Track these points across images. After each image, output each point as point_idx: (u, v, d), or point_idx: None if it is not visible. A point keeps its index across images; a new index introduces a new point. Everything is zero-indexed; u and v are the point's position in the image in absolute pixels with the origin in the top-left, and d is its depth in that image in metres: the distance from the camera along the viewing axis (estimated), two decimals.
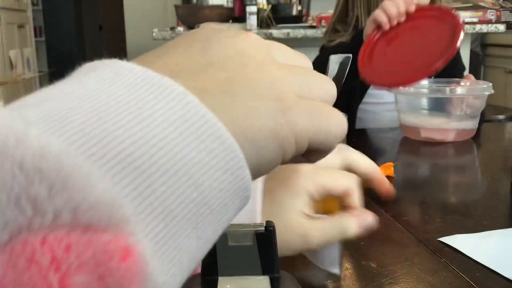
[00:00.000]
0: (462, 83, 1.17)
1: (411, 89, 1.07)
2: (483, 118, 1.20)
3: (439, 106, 1.09)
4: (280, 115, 0.22)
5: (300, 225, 0.44)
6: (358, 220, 0.45)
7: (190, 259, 0.19)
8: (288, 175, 0.46)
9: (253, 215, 0.42)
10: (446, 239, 0.58)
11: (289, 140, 0.22)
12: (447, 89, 1.07)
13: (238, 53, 0.23)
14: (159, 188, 0.17)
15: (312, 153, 0.24)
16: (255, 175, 0.22)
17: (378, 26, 1.07)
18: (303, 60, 0.26)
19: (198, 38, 0.24)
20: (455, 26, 1.00)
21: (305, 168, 0.46)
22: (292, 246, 0.43)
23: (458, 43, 0.96)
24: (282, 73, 0.23)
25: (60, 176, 0.15)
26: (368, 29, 1.09)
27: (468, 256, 0.54)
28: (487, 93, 1.08)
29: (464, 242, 0.57)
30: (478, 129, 1.13)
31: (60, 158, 0.15)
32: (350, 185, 0.46)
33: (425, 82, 1.14)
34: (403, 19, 1.06)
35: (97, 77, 0.19)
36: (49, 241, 0.15)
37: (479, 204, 0.72)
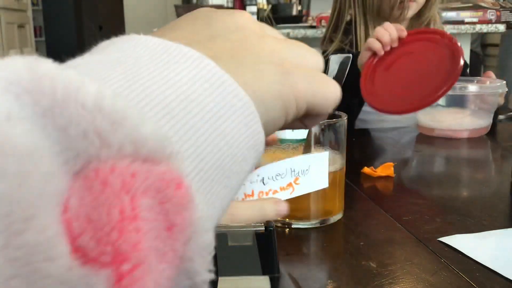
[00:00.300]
0: (476, 81, 1.17)
1: None
2: (497, 116, 1.21)
3: (454, 102, 1.10)
4: (282, 78, 0.24)
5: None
6: (276, 206, 0.52)
7: (220, 206, 0.21)
8: None
9: None
10: (446, 239, 0.58)
11: (291, 101, 0.25)
12: (462, 86, 1.07)
13: (238, 27, 0.26)
14: (193, 136, 0.20)
15: (308, 117, 0.27)
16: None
17: (374, 53, 1.10)
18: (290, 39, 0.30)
19: (199, 17, 0.26)
20: (452, 47, 1.01)
21: None
22: (220, 223, 0.48)
23: (461, 63, 0.97)
24: (279, 44, 0.26)
25: (119, 114, 0.17)
26: (363, 57, 1.11)
27: (468, 256, 0.54)
28: (500, 90, 1.08)
29: (464, 242, 0.57)
30: (493, 126, 1.14)
31: (115, 100, 0.17)
32: None
33: None
34: (395, 44, 1.09)
35: (117, 48, 0.21)
36: (117, 168, 0.17)
37: (479, 204, 0.72)
